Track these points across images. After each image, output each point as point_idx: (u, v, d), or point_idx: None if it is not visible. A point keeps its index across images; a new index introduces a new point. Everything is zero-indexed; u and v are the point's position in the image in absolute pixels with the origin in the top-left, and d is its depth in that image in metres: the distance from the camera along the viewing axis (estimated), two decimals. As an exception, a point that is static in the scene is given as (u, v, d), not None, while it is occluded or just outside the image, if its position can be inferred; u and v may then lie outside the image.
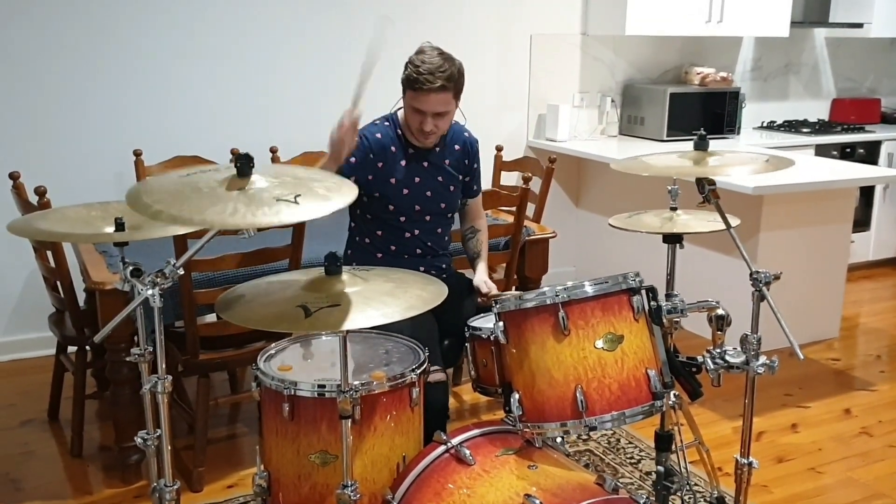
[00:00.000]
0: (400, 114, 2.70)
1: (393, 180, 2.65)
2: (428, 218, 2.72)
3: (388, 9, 4.42)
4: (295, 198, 1.62)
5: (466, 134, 2.81)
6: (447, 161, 2.75)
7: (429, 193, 2.71)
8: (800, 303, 4.17)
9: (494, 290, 2.70)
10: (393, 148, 2.66)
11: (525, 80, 4.90)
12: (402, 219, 2.69)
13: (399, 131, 2.68)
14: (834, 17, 5.59)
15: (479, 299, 2.69)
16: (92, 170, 3.97)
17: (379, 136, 2.65)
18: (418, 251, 2.74)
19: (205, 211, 1.57)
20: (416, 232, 2.72)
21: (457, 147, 2.77)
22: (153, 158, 3.83)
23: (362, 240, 2.76)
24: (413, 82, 2.51)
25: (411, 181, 2.68)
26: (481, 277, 2.75)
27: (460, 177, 2.79)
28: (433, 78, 2.49)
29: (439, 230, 2.78)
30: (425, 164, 2.70)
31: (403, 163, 2.67)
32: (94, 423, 3.37)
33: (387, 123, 2.69)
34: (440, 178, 2.73)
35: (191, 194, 1.62)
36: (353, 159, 2.58)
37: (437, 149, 2.72)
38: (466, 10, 4.64)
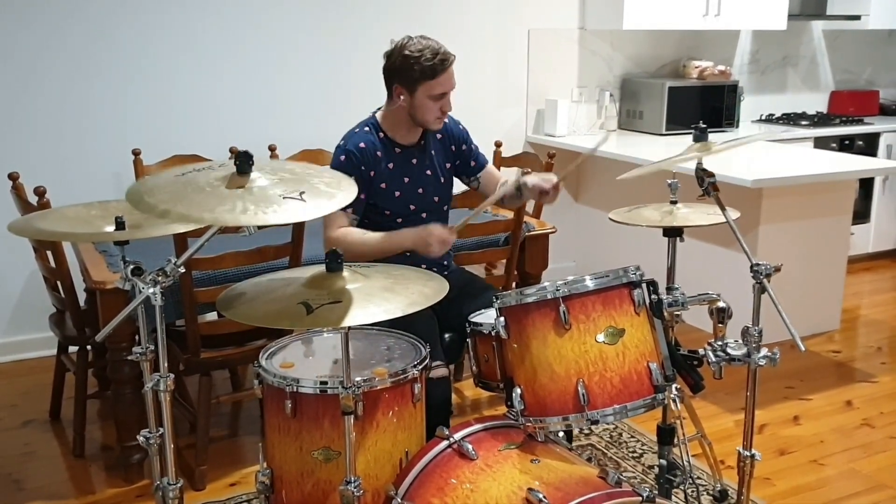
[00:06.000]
0: (378, 115, 2.67)
1: (383, 185, 2.63)
2: (424, 215, 2.70)
3: (385, 5, 4.42)
4: (300, 195, 1.62)
5: (446, 120, 2.74)
6: (433, 152, 2.72)
7: (420, 190, 2.69)
8: (800, 295, 4.17)
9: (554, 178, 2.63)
10: (378, 153, 2.62)
11: (523, 75, 4.89)
12: (399, 220, 2.67)
13: (381, 134, 2.64)
14: (831, 9, 5.59)
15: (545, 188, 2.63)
16: (91, 169, 3.96)
17: (363, 145, 2.60)
18: None
19: (214, 209, 1.56)
20: None
21: (438, 136, 2.74)
22: (152, 157, 3.83)
23: None
24: (433, 68, 2.48)
25: (401, 182, 2.65)
26: (533, 179, 2.63)
27: (448, 165, 2.77)
28: (447, 53, 2.50)
29: None
30: (413, 160, 2.68)
31: (391, 165, 2.64)
32: (96, 423, 3.37)
33: (367, 129, 2.64)
34: (429, 172, 2.71)
35: (192, 193, 1.62)
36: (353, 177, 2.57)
37: (422, 142, 2.70)
38: (464, 5, 4.63)
